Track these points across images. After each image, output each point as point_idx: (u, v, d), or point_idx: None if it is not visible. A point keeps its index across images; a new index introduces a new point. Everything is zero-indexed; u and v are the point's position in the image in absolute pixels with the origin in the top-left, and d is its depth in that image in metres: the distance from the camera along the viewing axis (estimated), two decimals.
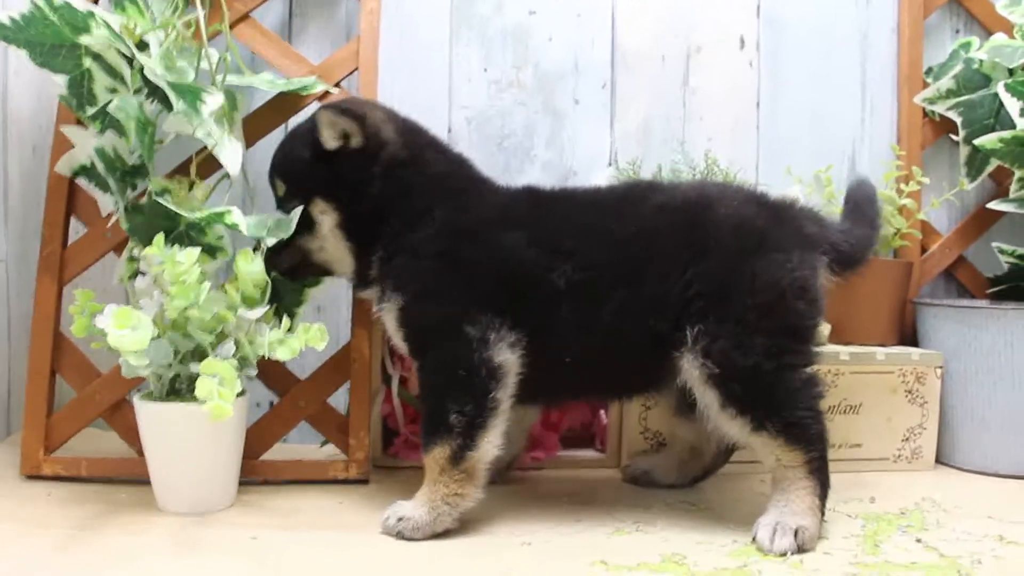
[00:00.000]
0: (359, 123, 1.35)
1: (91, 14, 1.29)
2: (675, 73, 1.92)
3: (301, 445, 1.66)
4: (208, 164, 1.51)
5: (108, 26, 1.29)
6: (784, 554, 1.20)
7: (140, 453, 1.46)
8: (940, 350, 1.73)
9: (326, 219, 1.38)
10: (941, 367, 1.71)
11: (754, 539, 1.25)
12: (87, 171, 1.50)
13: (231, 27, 1.55)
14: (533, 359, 1.30)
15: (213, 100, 1.33)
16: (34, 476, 1.49)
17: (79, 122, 1.51)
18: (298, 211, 1.38)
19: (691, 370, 1.28)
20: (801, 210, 1.42)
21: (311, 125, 1.38)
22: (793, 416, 1.27)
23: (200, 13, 1.45)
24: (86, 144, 1.48)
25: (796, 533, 1.22)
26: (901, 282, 1.82)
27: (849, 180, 1.56)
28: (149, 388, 1.38)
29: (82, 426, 1.53)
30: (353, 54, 1.64)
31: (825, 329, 1.73)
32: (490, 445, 1.28)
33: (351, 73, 1.64)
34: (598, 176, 1.80)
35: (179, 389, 1.37)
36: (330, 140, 1.35)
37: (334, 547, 1.23)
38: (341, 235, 1.39)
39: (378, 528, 1.28)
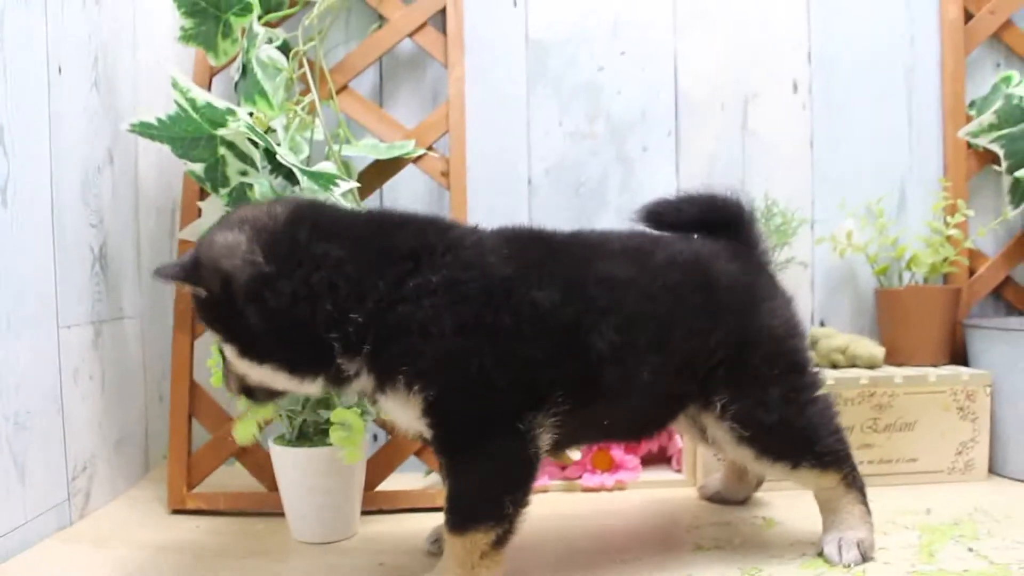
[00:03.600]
0: (187, 279, 1.16)
1: (230, 111, 1.47)
2: (734, 118, 2.08)
3: (402, 475, 1.76)
4: None
5: (254, 129, 1.46)
6: (849, 566, 1.34)
7: (269, 488, 1.65)
8: (989, 369, 1.86)
9: (229, 348, 1.20)
10: (990, 386, 1.83)
11: (821, 554, 1.38)
12: None
13: (332, 98, 1.74)
14: (571, 427, 1.24)
15: (345, 185, 1.50)
16: (179, 510, 1.67)
17: (203, 193, 1.70)
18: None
19: (721, 434, 1.36)
20: (758, 246, 1.47)
21: None
22: (824, 445, 1.37)
23: (315, 94, 1.64)
24: (214, 215, 1.67)
25: (858, 545, 1.35)
26: (950, 306, 1.95)
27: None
28: (281, 432, 1.57)
29: (218, 464, 1.71)
30: (443, 118, 1.82)
31: (879, 352, 1.88)
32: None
33: (442, 135, 1.82)
34: None
35: (307, 433, 1.54)
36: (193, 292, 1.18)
37: None
38: (249, 361, 1.19)
39: None
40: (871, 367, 1.89)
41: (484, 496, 1.19)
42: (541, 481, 1.79)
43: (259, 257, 1.14)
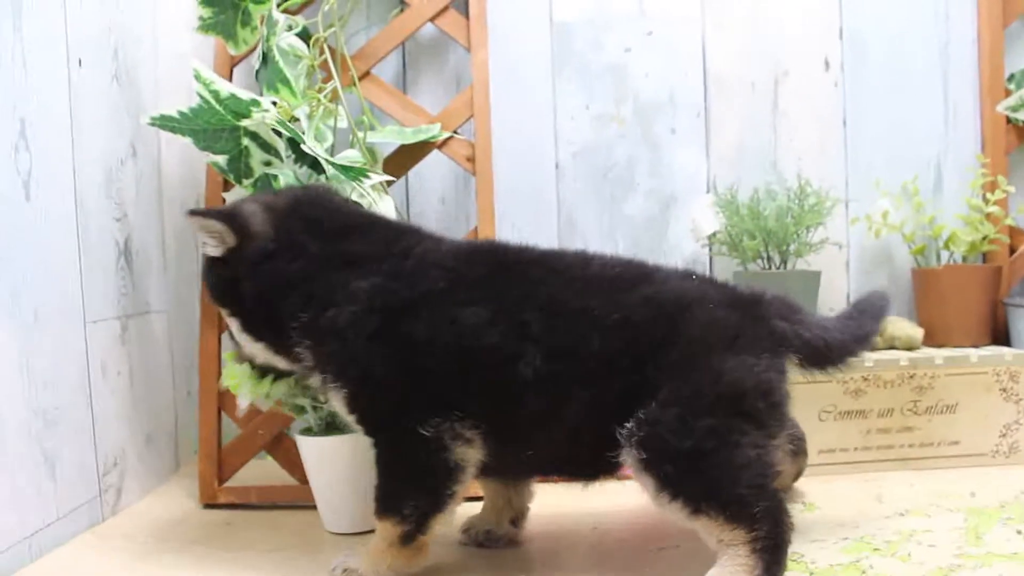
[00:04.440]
0: (227, 222, 1.25)
1: (254, 102, 1.45)
2: (765, 98, 2.04)
3: None
4: None
5: (283, 123, 1.45)
6: None
7: (300, 481, 1.64)
8: None
9: (232, 322, 1.32)
10: None
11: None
12: None
13: (354, 85, 1.72)
14: (494, 448, 1.22)
15: (376, 176, 1.49)
16: (211, 505, 1.67)
17: (226, 184, 1.68)
18: None
19: (630, 451, 1.14)
20: (773, 306, 1.27)
21: None
22: (734, 494, 1.12)
23: (337, 82, 1.62)
24: None
25: None
26: (990, 285, 1.92)
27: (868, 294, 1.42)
28: (306, 425, 1.55)
29: (248, 459, 1.70)
30: (467, 103, 1.79)
31: (918, 333, 1.84)
32: (443, 526, 1.25)
33: (467, 120, 1.79)
34: (698, 201, 1.94)
35: (333, 424, 1.52)
36: (210, 248, 1.26)
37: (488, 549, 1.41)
38: (249, 337, 1.31)
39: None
40: (909, 348, 1.85)
41: (390, 493, 1.24)
42: None
43: (271, 230, 1.26)
